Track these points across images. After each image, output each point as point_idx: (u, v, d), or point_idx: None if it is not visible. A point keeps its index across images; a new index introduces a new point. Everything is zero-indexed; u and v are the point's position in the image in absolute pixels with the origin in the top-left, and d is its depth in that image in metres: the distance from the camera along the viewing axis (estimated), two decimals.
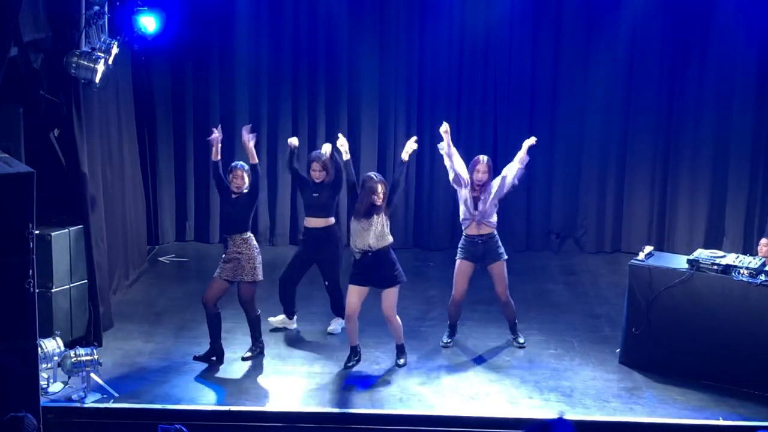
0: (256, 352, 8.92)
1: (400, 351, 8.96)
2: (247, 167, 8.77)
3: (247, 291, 8.76)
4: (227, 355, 8.94)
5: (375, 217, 8.48)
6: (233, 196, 8.77)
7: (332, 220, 9.43)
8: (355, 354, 8.81)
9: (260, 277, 8.79)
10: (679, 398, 8.30)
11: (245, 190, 8.76)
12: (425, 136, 12.29)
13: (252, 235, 8.81)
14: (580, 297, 10.85)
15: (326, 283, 9.50)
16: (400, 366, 8.85)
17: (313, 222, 9.34)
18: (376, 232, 8.49)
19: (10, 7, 7.91)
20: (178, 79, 11.98)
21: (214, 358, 8.81)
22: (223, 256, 8.82)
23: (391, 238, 8.63)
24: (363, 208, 8.49)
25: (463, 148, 12.25)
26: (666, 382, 8.54)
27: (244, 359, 8.85)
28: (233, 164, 8.88)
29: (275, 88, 12.10)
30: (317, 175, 9.25)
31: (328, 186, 9.28)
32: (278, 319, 9.58)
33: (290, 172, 9.90)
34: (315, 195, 9.28)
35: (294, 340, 9.39)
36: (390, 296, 8.69)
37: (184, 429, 5.53)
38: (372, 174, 8.65)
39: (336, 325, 9.58)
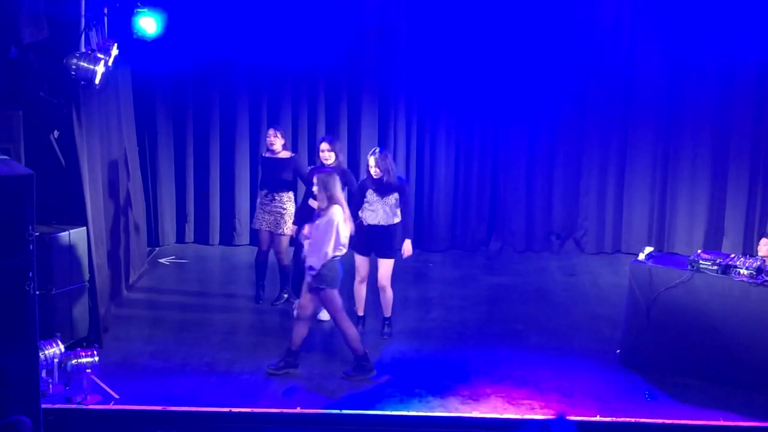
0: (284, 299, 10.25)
1: (387, 323, 9.44)
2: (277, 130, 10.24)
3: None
4: (227, 357, 8.96)
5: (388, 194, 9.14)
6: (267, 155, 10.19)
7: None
8: (362, 323, 9.47)
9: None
10: (679, 398, 8.29)
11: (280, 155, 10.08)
12: (425, 136, 12.32)
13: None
14: (580, 297, 10.85)
15: None
16: (385, 337, 9.37)
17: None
18: (386, 209, 9.16)
19: (9, 8, 7.91)
20: (177, 80, 11.98)
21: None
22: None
23: (398, 218, 9.27)
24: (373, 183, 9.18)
25: (463, 147, 12.33)
26: (666, 382, 8.54)
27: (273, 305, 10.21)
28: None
29: (275, 88, 12.10)
30: (326, 155, 9.53)
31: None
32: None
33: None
34: None
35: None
36: (387, 267, 9.25)
37: None
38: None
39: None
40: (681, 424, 7.89)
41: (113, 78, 9.54)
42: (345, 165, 9.93)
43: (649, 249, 9.02)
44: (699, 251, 8.84)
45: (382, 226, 9.22)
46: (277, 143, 10.10)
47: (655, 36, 11.80)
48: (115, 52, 9.02)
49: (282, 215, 10.04)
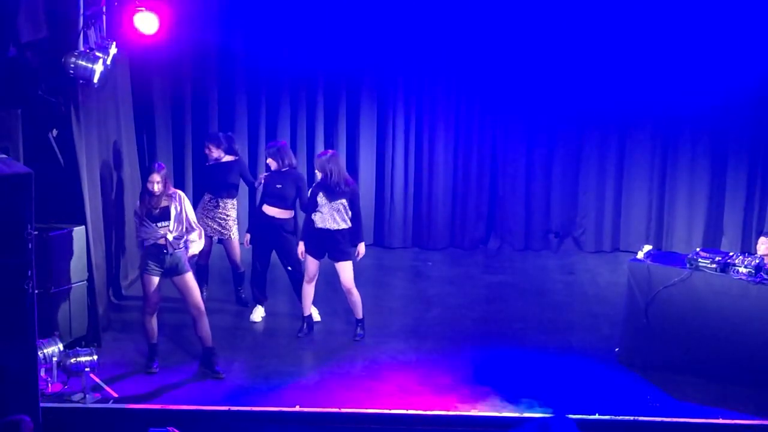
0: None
1: (360, 325, 9.40)
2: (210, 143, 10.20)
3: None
4: (225, 355, 8.95)
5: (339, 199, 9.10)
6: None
7: (292, 212, 9.73)
8: (308, 325, 9.48)
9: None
10: (678, 396, 8.30)
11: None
12: (424, 137, 12.31)
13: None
14: (579, 296, 10.86)
15: (289, 268, 9.75)
16: (357, 339, 9.34)
17: (272, 211, 9.60)
18: (334, 214, 9.10)
19: (8, 6, 7.90)
20: (176, 79, 11.96)
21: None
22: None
23: (347, 225, 9.18)
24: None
25: (462, 146, 12.33)
26: (665, 380, 8.55)
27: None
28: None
29: (274, 88, 12.08)
30: (270, 160, 9.62)
31: (290, 181, 9.58)
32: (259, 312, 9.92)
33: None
34: (278, 186, 9.54)
35: (293, 340, 9.39)
36: (346, 270, 9.22)
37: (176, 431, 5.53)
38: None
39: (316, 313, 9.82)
40: (679, 422, 7.90)
41: (112, 77, 9.53)
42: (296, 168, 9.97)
43: (647, 247, 9.04)
44: (698, 249, 8.86)
45: (330, 230, 9.13)
46: (216, 152, 10.11)
47: (655, 35, 11.77)
48: (113, 50, 9.01)
49: (226, 221, 10.08)
